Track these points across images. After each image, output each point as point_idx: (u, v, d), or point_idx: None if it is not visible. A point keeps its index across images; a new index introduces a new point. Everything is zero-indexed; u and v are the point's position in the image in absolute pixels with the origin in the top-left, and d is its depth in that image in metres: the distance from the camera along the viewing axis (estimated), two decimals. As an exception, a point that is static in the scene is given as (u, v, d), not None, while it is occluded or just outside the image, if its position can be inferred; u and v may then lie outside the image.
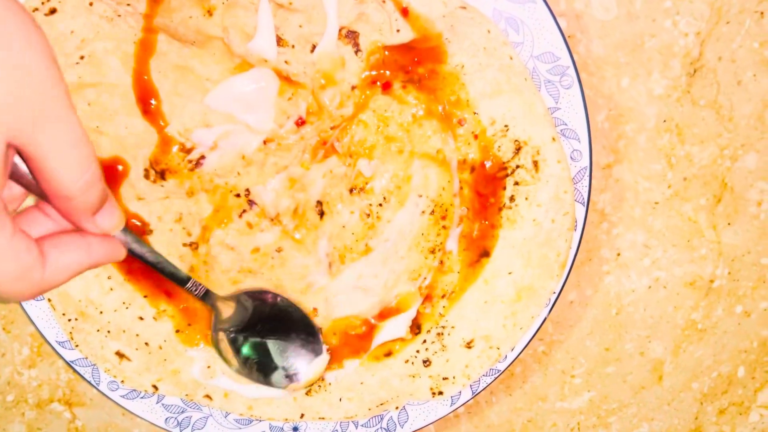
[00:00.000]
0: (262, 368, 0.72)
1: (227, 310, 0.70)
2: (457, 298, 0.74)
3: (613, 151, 0.75)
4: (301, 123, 0.70)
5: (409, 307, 0.75)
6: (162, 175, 0.69)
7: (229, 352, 0.72)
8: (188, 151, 0.69)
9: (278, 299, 0.73)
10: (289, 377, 0.73)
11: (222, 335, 0.71)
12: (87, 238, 0.45)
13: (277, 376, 0.72)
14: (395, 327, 0.75)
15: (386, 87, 0.70)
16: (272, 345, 0.72)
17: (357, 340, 0.75)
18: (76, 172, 0.40)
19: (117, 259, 0.48)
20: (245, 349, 0.72)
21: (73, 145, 0.39)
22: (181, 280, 0.63)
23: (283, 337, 0.72)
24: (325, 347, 0.74)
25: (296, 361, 0.72)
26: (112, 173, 0.68)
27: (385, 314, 0.75)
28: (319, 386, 0.75)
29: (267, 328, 0.72)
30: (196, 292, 0.66)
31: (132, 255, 0.52)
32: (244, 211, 0.71)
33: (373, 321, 0.75)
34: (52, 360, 0.79)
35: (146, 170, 0.69)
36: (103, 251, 0.46)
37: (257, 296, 0.72)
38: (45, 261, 0.42)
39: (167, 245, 0.71)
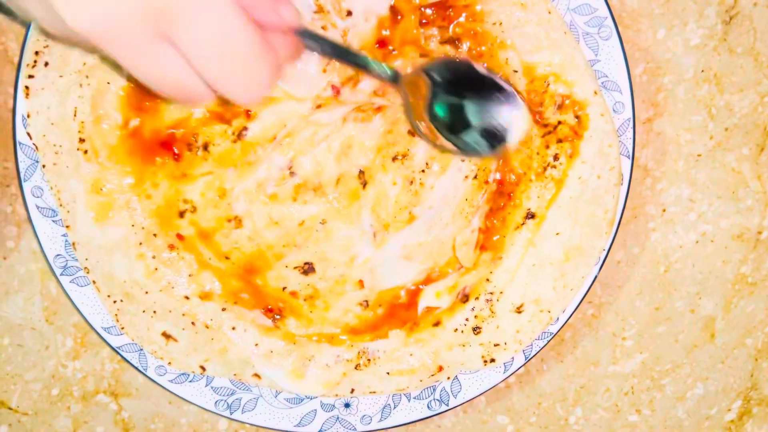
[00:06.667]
0: (463, 130, 0.67)
1: (418, 86, 0.65)
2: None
3: (653, 105, 0.74)
4: (337, 91, 0.69)
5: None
6: (205, 147, 0.69)
7: (429, 128, 0.66)
8: (229, 122, 0.69)
9: (461, 63, 0.67)
10: (499, 137, 0.67)
11: (417, 113, 0.66)
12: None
13: (481, 138, 0.67)
14: (439, 286, 0.74)
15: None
16: (470, 105, 0.66)
17: (403, 310, 0.74)
18: None
19: (297, 56, 0.47)
20: (443, 113, 0.66)
21: None
22: (363, 64, 0.61)
23: (478, 95, 0.66)
24: (521, 100, 0.67)
25: (500, 117, 0.66)
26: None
27: (430, 281, 0.74)
28: (369, 359, 0.74)
29: (458, 89, 0.66)
30: (384, 76, 0.62)
31: (308, 46, 0.51)
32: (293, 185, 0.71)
33: (413, 287, 0.74)
34: (96, 350, 0.78)
35: (189, 144, 0.69)
36: (286, 48, 0.45)
37: (443, 64, 0.67)
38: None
39: (210, 221, 0.71)
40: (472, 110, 0.66)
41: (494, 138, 0.67)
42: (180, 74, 0.40)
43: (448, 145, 0.67)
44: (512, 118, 0.66)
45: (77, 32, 0.36)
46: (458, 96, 0.66)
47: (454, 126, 0.66)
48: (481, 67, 0.67)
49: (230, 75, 0.40)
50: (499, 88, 0.66)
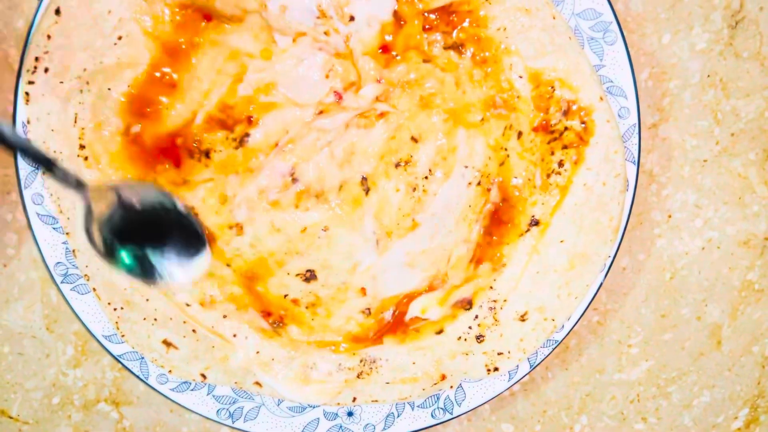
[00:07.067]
0: (139, 271, 0.64)
1: (102, 203, 0.61)
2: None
3: (659, 110, 0.74)
4: (340, 97, 0.68)
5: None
6: (207, 154, 0.68)
7: (102, 250, 0.63)
8: (231, 128, 0.68)
9: (158, 198, 0.65)
10: (168, 275, 0.65)
11: (96, 232, 0.62)
12: None
13: (155, 277, 0.64)
14: (427, 299, 0.73)
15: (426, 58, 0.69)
16: (150, 250, 0.63)
17: (401, 317, 0.74)
18: None
19: None
20: (122, 254, 0.63)
21: None
22: (46, 163, 0.56)
23: (162, 239, 0.64)
24: (207, 249, 0.66)
25: (177, 261, 0.64)
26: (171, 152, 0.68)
27: (433, 289, 0.73)
28: (371, 368, 0.73)
29: (145, 229, 0.63)
30: (67, 180, 0.58)
31: None
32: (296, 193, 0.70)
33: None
34: (97, 358, 0.77)
35: (191, 150, 0.68)
36: None
37: (136, 192, 0.64)
38: None
39: (212, 228, 0.70)
40: (153, 254, 0.64)
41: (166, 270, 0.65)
42: None
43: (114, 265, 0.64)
44: (193, 259, 0.65)
45: None
46: (140, 228, 0.63)
47: (138, 268, 0.64)
48: (177, 202, 0.65)
49: None
50: (188, 224, 0.65)
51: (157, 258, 0.63)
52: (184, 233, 0.65)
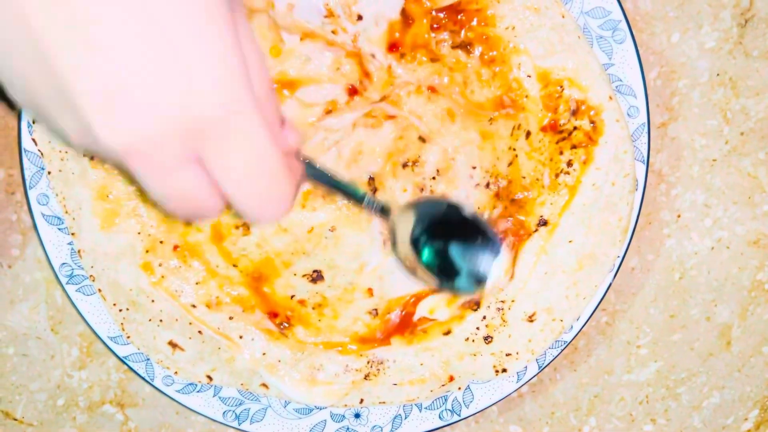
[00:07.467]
0: (445, 273, 0.67)
1: (406, 222, 0.65)
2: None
3: (668, 109, 0.73)
4: (353, 92, 0.68)
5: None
6: (213, 153, 0.68)
7: (412, 263, 0.67)
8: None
9: (450, 205, 0.68)
10: (474, 279, 0.67)
11: (403, 248, 0.66)
12: None
13: (461, 280, 0.67)
14: (434, 300, 0.73)
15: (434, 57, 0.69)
16: (453, 248, 0.67)
17: (408, 317, 0.73)
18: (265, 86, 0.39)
19: (303, 181, 0.47)
20: (427, 256, 0.66)
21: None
22: (358, 198, 0.60)
23: (461, 239, 0.67)
24: (503, 247, 0.69)
25: (479, 261, 0.67)
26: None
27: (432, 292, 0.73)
28: (378, 369, 0.73)
29: (443, 232, 0.67)
30: (373, 209, 0.61)
31: (308, 176, 0.53)
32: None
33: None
34: (102, 360, 0.77)
35: (197, 150, 0.68)
36: (297, 170, 0.44)
37: (431, 203, 0.69)
38: None
39: (218, 228, 0.70)
40: (455, 253, 0.67)
41: (473, 280, 0.67)
42: (199, 192, 0.39)
43: (428, 279, 0.67)
44: (491, 264, 0.67)
45: (107, 149, 0.35)
46: (442, 237, 0.67)
47: (442, 268, 0.67)
48: (467, 209, 0.67)
49: (258, 194, 0.40)
50: (481, 232, 0.67)
51: (460, 258, 0.67)
52: (478, 238, 0.67)
